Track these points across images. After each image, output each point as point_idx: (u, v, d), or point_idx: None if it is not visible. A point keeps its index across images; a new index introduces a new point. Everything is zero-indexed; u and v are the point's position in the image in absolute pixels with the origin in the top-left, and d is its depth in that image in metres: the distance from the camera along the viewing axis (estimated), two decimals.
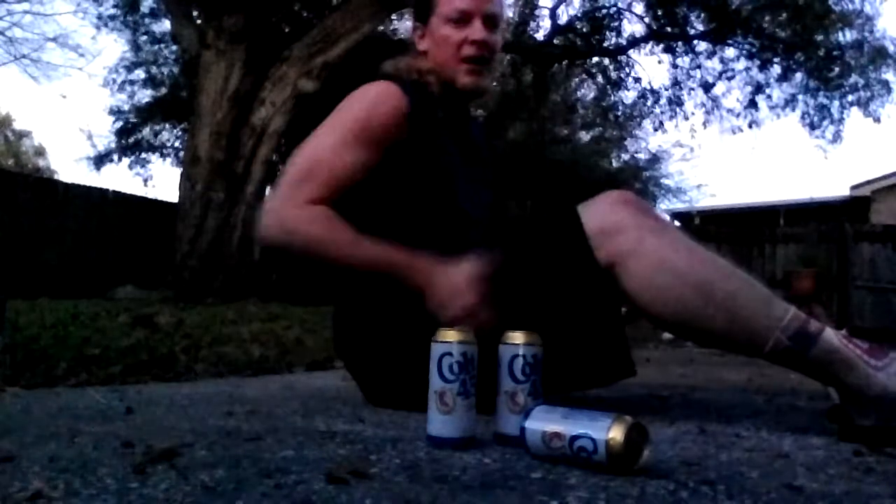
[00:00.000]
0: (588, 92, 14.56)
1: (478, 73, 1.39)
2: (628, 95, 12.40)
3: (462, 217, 1.38)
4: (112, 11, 11.23)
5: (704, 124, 13.22)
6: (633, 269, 1.18)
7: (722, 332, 1.17)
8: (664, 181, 18.44)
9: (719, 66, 11.29)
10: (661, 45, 11.31)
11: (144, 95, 12.38)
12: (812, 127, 11.11)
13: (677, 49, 11.29)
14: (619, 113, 13.35)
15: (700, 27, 10.92)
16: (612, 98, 12.87)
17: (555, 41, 11.55)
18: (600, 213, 1.22)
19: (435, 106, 1.38)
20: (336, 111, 1.34)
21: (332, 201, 1.25)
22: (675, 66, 11.51)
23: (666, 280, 1.17)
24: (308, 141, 1.32)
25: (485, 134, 1.60)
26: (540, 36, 12.11)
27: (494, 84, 1.47)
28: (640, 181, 17.75)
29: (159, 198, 9.74)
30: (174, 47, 11.03)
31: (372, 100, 1.32)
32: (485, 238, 1.38)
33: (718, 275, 1.18)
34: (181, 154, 11.24)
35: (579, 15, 11.75)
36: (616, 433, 0.83)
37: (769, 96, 11.29)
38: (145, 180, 24.38)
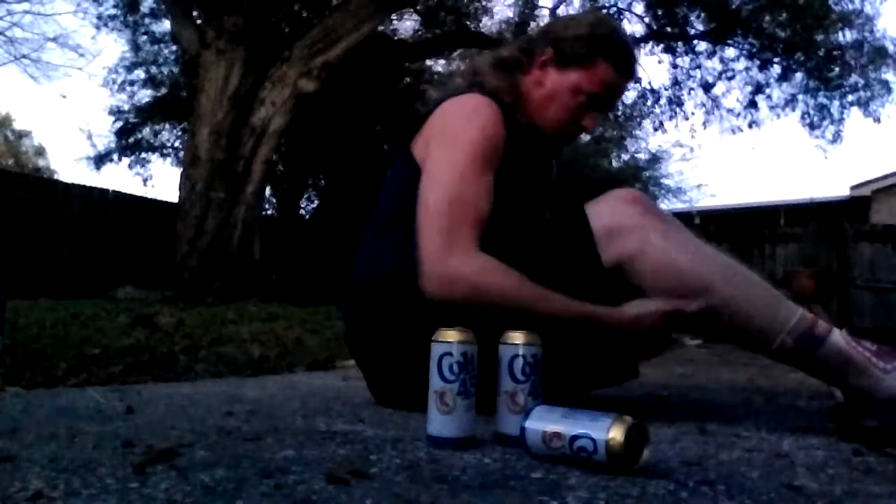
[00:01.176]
0: None
1: (566, 144, 1.44)
2: (628, 95, 12.39)
3: (518, 249, 1.33)
4: (112, 11, 11.24)
5: (704, 124, 13.23)
6: (638, 269, 1.18)
7: (728, 331, 1.19)
8: (664, 181, 18.46)
9: (719, 66, 11.30)
10: (661, 45, 11.31)
11: (144, 95, 12.39)
12: (812, 127, 11.11)
13: (677, 49, 11.29)
14: (619, 113, 13.35)
15: (700, 27, 10.92)
16: None
17: None
18: (606, 213, 1.22)
19: (519, 133, 1.33)
20: (446, 136, 1.27)
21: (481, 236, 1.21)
22: (675, 66, 11.51)
23: (671, 281, 1.17)
24: (435, 174, 1.24)
25: (554, 163, 1.53)
26: None
27: None
28: (640, 181, 17.76)
29: (159, 198, 9.76)
30: (174, 47, 11.05)
31: (485, 120, 1.27)
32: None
33: (724, 275, 1.19)
34: (181, 154, 11.24)
35: None
36: (616, 433, 0.83)
37: (769, 96, 11.29)
38: (145, 180, 24.43)
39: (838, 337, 1.14)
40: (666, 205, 18.49)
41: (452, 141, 1.25)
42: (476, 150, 1.23)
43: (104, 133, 16.42)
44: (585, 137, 16.51)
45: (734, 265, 1.22)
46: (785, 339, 1.14)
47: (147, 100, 12.29)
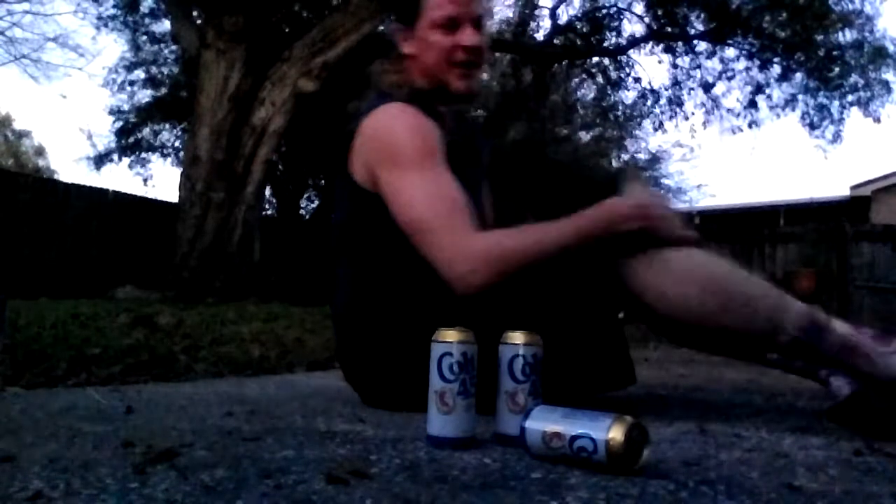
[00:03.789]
0: (588, 92, 14.56)
1: (469, 77, 1.39)
2: (628, 95, 12.41)
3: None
4: (112, 11, 11.23)
5: (704, 124, 13.25)
6: (642, 276, 1.18)
7: (735, 331, 1.19)
8: (664, 181, 18.44)
9: (719, 66, 11.30)
10: (661, 45, 11.31)
11: (144, 95, 12.39)
12: (812, 127, 11.11)
13: (677, 49, 11.29)
14: (619, 113, 13.36)
15: (700, 27, 10.92)
16: (612, 98, 12.87)
17: (555, 41, 11.55)
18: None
19: (442, 122, 1.36)
20: (382, 152, 1.29)
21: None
22: (675, 66, 11.51)
23: (680, 288, 1.17)
24: (399, 195, 1.26)
25: (481, 135, 1.59)
26: (540, 36, 12.11)
27: (495, 84, 1.46)
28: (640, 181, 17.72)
29: (159, 198, 9.75)
30: (174, 47, 11.03)
31: (412, 124, 1.29)
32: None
33: (726, 275, 1.19)
34: (181, 154, 11.24)
35: (579, 15, 11.76)
36: (616, 433, 0.83)
37: (769, 96, 11.29)
38: (145, 180, 24.37)
39: (839, 324, 1.16)
40: None
41: (395, 158, 1.27)
42: (420, 155, 1.26)
43: (104, 133, 16.44)
44: (586, 138, 16.32)
45: (731, 264, 1.22)
46: (791, 331, 1.15)
47: (147, 100, 12.29)
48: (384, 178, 1.28)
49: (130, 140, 12.71)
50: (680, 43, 11.20)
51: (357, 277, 1.37)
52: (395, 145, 1.29)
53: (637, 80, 11.88)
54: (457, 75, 1.38)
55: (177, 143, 12.94)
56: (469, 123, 1.51)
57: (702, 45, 11.14)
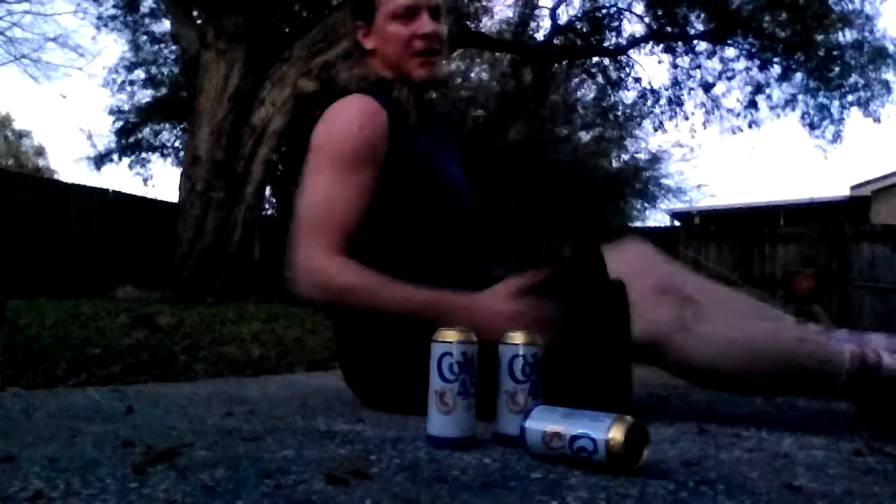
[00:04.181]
0: (588, 92, 14.56)
1: (431, 64, 1.39)
2: (628, 95, 12.39)
3: (461, 212, 1.41)
4: (112, 11, 11.24)
5: (704, 124, 13.20)
6: (681, 352, 1.19)
7: (786, 388, 1.28)
8: (664, 181, 18.42)
9: (719, 66, 11.29)
10: (661, 45, 11.30)
11: (144, 95, 12.39)
12: (812, 127, 11.10)
13: (677, 49, 11.29)
14: (619, 113, 13.34)
15: (700, 27, 10.91)
16: (612, 98, 12.86)
17: (555, 41, 11.54)
18: (640, 309, 1.19)
19: (405, 111, 1.37)
20: (321, 139, 1.33)
21: (350, 237, 1.26)
22: (675, 66, 11.50)
23: (726, 362, 1.19)
24: (308, 180, 1.31)
25: (449, 117, 1.59)
26: (540, 36, 12.10)
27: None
28: (640, 181, 17.74)
29: (159, 198, 9.76)
30: (174, 47, 11.04)
31: (355, 122, 1.30)
32: (474, 226, 1.42)
33: (767, 334, 1.22)
34: (181, 154, 11.24)
35: (579, 15, 11.75)
36: (616, 433, 0.83)
37: (769, 96, 11.29)
38: (145, 180, 24.34)
39: (889, 356, 1.18)
40: (666, 205, 18.49)
41: (319, 152, 1.32)
42: (345, 156, 1.28)
43: (104, 133, 16.41)
44: (586, 138, 16.27)
45: (763, 318, 1.26)
46: (844, 378, 1.17)
47: (147, 100, 12.29)
48: (308, 165, 1.33)
49: (130, 140, 12.71)
50: (680, 43, 11.20)
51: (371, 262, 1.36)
52: (325, 138, 1.33)
53: (637, 80, 11.88)
54: (417, 64, 1.38)
55: (177, 143, 12.95)
56: (438, 111, 1.50)
57: (702, 45, 11.14)
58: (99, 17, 11.46)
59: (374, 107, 1.31)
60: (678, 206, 17.92)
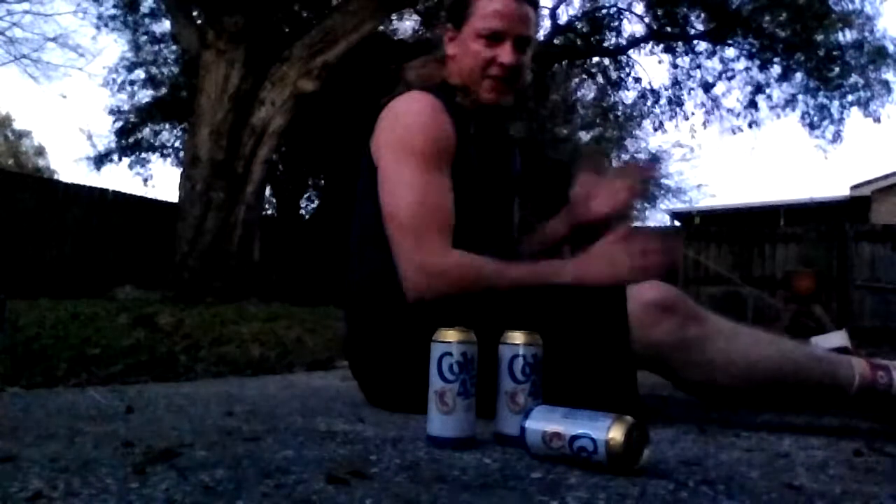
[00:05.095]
0: (588, 92, 14.57)
1: (500, 92, 1.39)
2: (628, 95, 12.40)
3: (497, 223, 1.42)
4: (112, 11, 11.24)
5: (704, 124, 13.24)
6: (688, 373, 1.21)
7: (793, 402, 1.26)
8: (664, 181, 18.44)
9: (719, 66, 11.30)
10: (661, 45, 11.30)
11: (144, 95, 12.38)
12: (812, 127, 11.11)
13: (677, 49, 11.29)
14: (619, 113, 13.35)
15: (700, 27, 10.92)
16: (612, 98, 12.88)
17: (555, 41, 11.54)
18: (644, 329, 1.19)
19: (467, 120, 1.37)
20: (394, 137, 1.32)
21: (453, 231, 1.27)
22: (675, 66, 11.51)
23: (731, 380, 1.19)
24: (393, 181, 1.30)
25: (515, 149, 1.57)
26: (540, 36, 12.07)
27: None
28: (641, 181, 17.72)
29: (159, 198, 9.76)
30: (174, 47, 11.04)
31: (427, 118, 1.31)
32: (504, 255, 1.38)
33: (779, 352, 1.22)
34: (181, 154, 11.24)
35: (579, 15, 11.76)
36: (616, 433, 0.83)
37: (769, 96, 11.29)
38: (145, 180, 24.36)
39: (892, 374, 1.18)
40: (666, 205, 18.49)
41: (403, 148, 1.30)
42: (429, 153, 1.28)
43: (104, 133, 16.42)
44: (586, 138, 16.33)
45: (777, 338, 1.27)
46: (853, 391, 1.17)
47: (147, 100, 12.28)
48: (385, 160, 1.31)
49: (130, 140, 12.71)
50: (680, 43, 11.20)
51: (366, 271, 1.37)
52: (406, 133, 1.31)
53: (637, 80, 11.88)
54: (488, 87, 1.38)
55: (177, 143, 12.94)
56: (505, 135, 1.50)
57: (702, 45, 11.14)
58: (99, 17, 11.47)
59: (439, 105, 1.32)
60: (678, 206, 17.94)
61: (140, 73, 12.24)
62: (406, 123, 1.32)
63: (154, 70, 12.21)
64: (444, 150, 1.30)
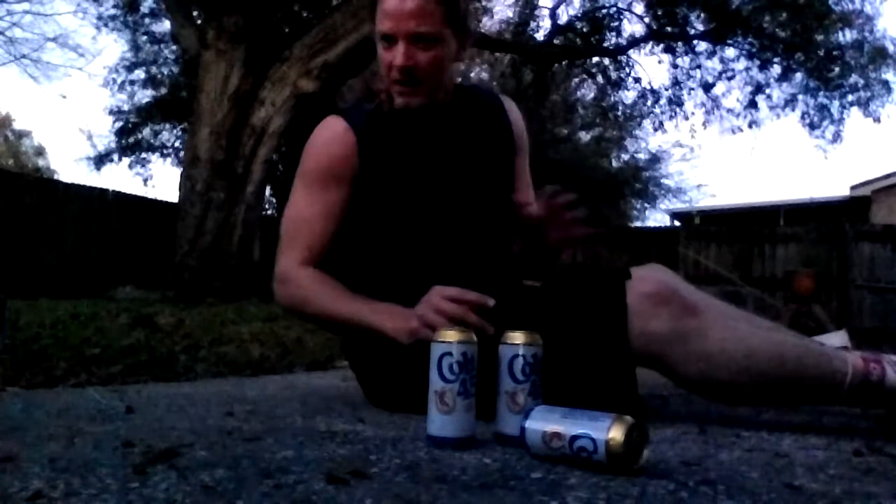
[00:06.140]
0: (588, 92, 14.59)
1: (408, 94, 1.34)
2: (628, 95, 12.42)
3: (454, 214, 1.36)
4: (112, 11, 11.25)
5: (704, 124, 13.27)
6: (684, 367, 1.19)
7: (789, 399, 1.27)
8: (664, 181, 18.44)
9: (719, 66, 11.32)
10: (661, 45, 11.31)
11: (144, 95, 12.41)
12: (812, 127, 11.12)
13: (677, 49, 11.30)
14: (619, 113, 13.36)
15: (700, 27, 10.93)
16: (612, 98, 12.89)
17: (555, 41, 11.55)
18: (641, 321, 1.18)
19: (390, 126, 1.35)
20: (301, 160, 1.41)
21: (322, 251, 1.35)
22: (675, 66, 11.52)
23: (728, 375, 1.18)
24: (289, 199, 1.42)
25: (485, 125, 1.47)
26: (540, 36, 12.12)
27: (495, 84, 1.44)
28: (640, 181, 17.75)
29: (159, 198, 9.76)
30: (174, 47, 11.05)
31: (322, 141, 1.38)
32: (488, 237, 1.38)
33: (776, 343, 1.21)
34: (181, 154, 11.24)
35: (579, 15, 11.77)
36: (616, 433, 0.83)
37: (769, 96, 11.31)
38: (145, 180, 24.35)
39: (889, 371, 1.17)
40: (666, 205, 18.50)
41: (299, 169, 1.42)
42: (314, 175, 1.38)
43: (104, 133, 16.41)
44: (586, 138, 16.26)
45: (774, 327, 1.27)
46: (846, 388, 1.17)
47: (147, 100, 12.31)
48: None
49: (130, 140, 12.73)
50: (680, 43, 11.20)
51: (357, 273, 1.38)
52: (303, 157, 1.41)
53: (637, 80, 11.89)
54: (396, 91, 1.35)
55: (177, 143, 12.96)
56: (451, 133, 1.42)
57: (702, 45, 11.15)
58: (99, 17, 11.50)
59: (342, 128, 1.35)
60: (678, 206, 17.94)
61: (140, 73, 12.28)
62: (306, 148, 1.41)
63: (154, 70, 12.24)
64: (333, 172, 1.35)
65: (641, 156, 17.83)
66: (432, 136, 1.40)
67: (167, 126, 12.80)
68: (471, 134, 1.43)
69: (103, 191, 8.88)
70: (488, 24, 12.23)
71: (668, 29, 10.99)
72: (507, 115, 1.51)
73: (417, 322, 1.19)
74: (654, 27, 11.10)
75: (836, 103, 10.80)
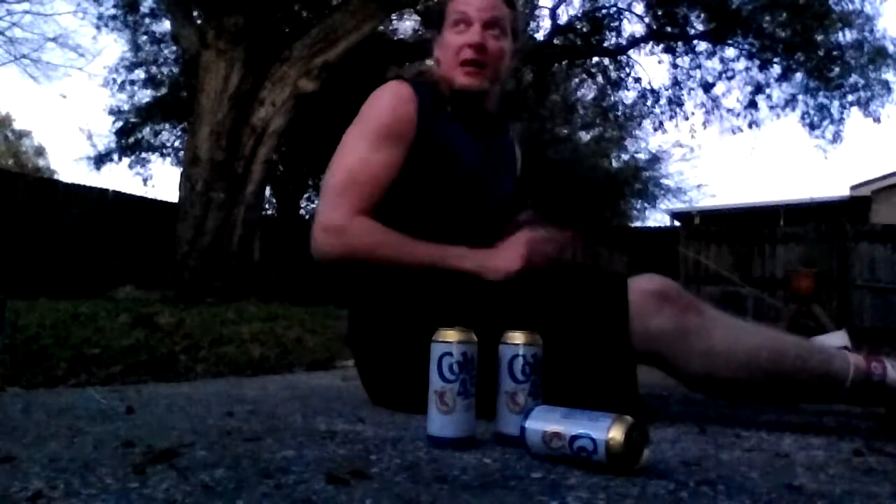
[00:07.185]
0: (588, 92, 14.56)
1: (473, 75, 1.41)
2: (628, 95, 12.42)
3: (483, 205, 1.43)
4: (112, 11, 11.24)
5: (704, 124, 13.26)
6: (686, 362, 1.20)
7: (790, 397, 1.28)
8: (664, 181, 18.43)
9: (719, 66, 11.31)
10: (661, 45, 11.31)
11: (144, 95, 12.39)
12: (812, 127, 11.11)
13: (677, 49, 11.30)
14: (619, 113, 13.35)
15: (700, 27, 10.93)
16: (612, 98, 12.88)
17: (555, 41, 11.55)
18: (644, 318, 1.19)
19: (444, 102, 1.41)
20: (359, 117, 1.39)
21: (375, 204, 1.33)
22: (675, 66, 11.52)
23: (730, 373, 1.19)
24: (340, 150, 1.38)
25: (514, 141, 1.64)
26: (540, 36, 12.09)
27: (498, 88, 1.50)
28: (640, 181, 17.74)
29: (159, 198, 9.76)
30: (174, 47, 11.04)
31: (388, 100, 1.38)
32: (503, 231, 1.43)
33: (769, 346, 1.21)
34: (181, 154, 11.24)
35: (579, 15, 11.76)
36: (616, 433, 0.83)
37: (769, 96, 11.31)
38: (145, 180, 24.34)
39: (890, 371, 1.18)
40: (666, 205, 18.48)
41: (357, 124, 1.39)
42: (378, 130, 1.35)
43: (104, 133, 16.40)
44: (586, 138, 16.25)
45: (775, 329, 1.29)
46: (848, 386, 1.18)
47: (147, 100, 12.29)
48: (347, 131, 1.40)
49: (130, 140, 12.71)
50: (680, 43, 11.20)
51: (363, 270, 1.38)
52: (364, 113, 1.39)
53: (637, 80, 11.90)
54: (462, 72, 1.41)
55: (177, 143, 12.95)
56: (494, 122, 1.53)
57: (702, 45, 11.15)
58: (99, 17, 11.47)
59: (407, 91, 1.37)
60: (678, 206, 17.92)
61: (140, 73, 12.26)
62: (369, 105, 1.40)
63: (154, 70, 12.22)
64: (396, 130, 1.35)
65: (641, 156, 17.82)
66: (480, 132, 1.47)
67: (167, 126, 12.80)
68: (505, 148, 1.57)
69: (103, 191, 8.87)
70: (516, 32, 12.24)
71: (668, 29, 10.99)
72: (515, 148, 1.65)
73: (520, 259, 1.27)
74: (654, 27, 11.10)
75: (836, 103, 10.81)
